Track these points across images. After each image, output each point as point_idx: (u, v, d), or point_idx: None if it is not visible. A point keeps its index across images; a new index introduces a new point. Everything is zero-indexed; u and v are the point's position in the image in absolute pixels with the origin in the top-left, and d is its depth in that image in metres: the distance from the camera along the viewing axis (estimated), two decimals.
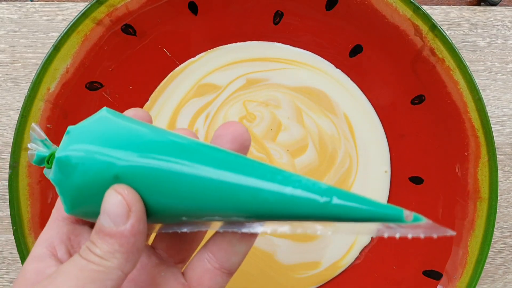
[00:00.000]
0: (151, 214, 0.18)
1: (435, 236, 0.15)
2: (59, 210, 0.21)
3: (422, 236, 0.15)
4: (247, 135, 0.20)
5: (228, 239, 0.20)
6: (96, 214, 0.18)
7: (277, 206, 0.17)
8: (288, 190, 0.16)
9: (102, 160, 0.18)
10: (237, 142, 0.20)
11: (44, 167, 0.21)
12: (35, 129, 0.21)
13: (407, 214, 0.15)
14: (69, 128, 0.20)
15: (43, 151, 0.21)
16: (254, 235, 0.20)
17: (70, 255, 0.20)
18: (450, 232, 0.15)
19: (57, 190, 0.19)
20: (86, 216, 0.20)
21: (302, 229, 0.18)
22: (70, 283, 0.16)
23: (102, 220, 0.17)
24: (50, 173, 0.20)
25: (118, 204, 0.17)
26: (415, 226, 0.16)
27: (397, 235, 0.16)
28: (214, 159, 0.18)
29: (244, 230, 0.19)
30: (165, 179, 0.18)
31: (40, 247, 0.20)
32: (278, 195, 0.16)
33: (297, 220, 0.17)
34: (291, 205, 0.16)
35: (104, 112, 0.19)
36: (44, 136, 0.22)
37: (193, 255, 0.22)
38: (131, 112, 0.22)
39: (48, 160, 0.20)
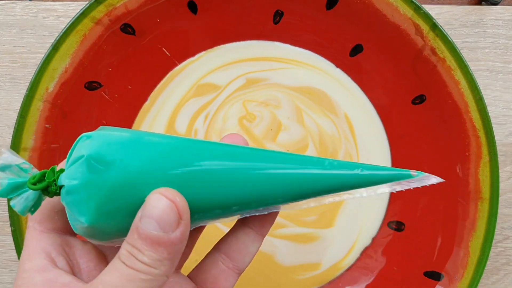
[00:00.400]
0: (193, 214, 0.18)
1: (432, 182, 0.20)
2: (42, 223, 0.20)
3: (422, 184, 0.21)
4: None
5: (242, 240, 0.22)
6: (118, 228, 0.18)
7: (324, 184, 0.20)
8: (331, 171, 0.20)
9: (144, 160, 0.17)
10: None
11: (8, 198, 0.19)
12: (5, 153, 0.19)
13: (413, 172, 0.20)
14: (90, 133, 0.19)
15: (22, 175, 0.19)
16: (263, 236, 0.22)
17: (69, 266, 0.20)
18: (439, 179, 0.20)
19: (73, 199, 0.18)
20: (103, 231, 0.18)
21: (332, 198, 0.21)
22: None
23: (148, 226, 0.16)
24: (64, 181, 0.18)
25: (170, 211, 0.16)
26: (419, 179, 0.20)
27: (405, 188, 0.21)
28: (265, 156, 0.19)
29: (268, 211, 0.21)
30: (214, 179, 0.18)
31: (39, 258, 0.19)
32: (324, 176, 0.20)
33: (336, 192, 0.20)
34: (335, 181, 0.20)
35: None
36: (20, 160, 0.19)
37: (183, 259, 0.23)
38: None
39: (35, 183, 0.18)
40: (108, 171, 0.17)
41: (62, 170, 0.19)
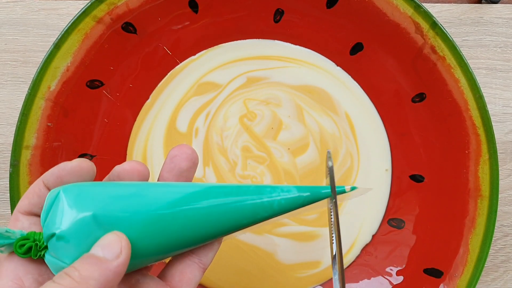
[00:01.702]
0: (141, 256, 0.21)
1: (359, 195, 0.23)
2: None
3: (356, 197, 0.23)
4: (196, 155, 0.24)
5: None
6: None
7: (263, 213, 0.23)
8: (278, 196, 0.23)
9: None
10: (190, 160, 0.23)
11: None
12: None
13: (347, 187, 0.23)
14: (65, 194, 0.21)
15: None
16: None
17: (39, 284, 0.21)
18: (369, 189, 0.24)
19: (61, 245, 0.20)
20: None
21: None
22: None
23: (94, 250, 0.19)
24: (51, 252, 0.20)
25: (114, 244, 0.19)
26: (353, 193, 0.23)
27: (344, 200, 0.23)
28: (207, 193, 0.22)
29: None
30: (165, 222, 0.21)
31: (5, 279, 0.20)
32: (262, 204, 0.23)
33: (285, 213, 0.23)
34: (273, 208, 0.23)
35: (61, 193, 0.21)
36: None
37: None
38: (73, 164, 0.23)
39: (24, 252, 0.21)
40: (99, 226, 0.20)
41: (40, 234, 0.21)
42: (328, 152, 0.24)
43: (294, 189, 0.23)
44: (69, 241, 0.20)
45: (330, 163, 0.24)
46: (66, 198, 0.20)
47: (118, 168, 0.22)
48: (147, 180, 0.23)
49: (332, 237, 0.23)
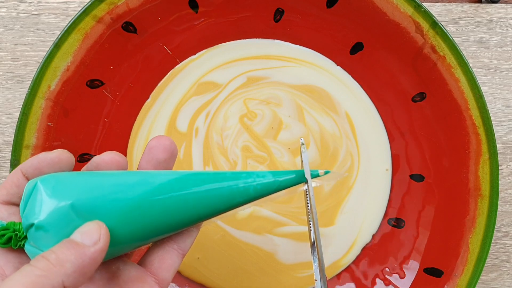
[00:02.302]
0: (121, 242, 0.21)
1: (336, 180, 0.25)
2: None
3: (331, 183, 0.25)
4: (175, 146, 0.24)
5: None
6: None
7: (240, 197, 0.23)
8: (255, 180, 0.23)
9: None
10: (168, 151, 0.24)
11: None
12: None
13: (321, 171, 0.24)
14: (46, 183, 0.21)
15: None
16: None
17: None
18: (344, 174, 0.24)
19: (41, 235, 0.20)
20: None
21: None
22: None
23: (73, 236, 0.20)
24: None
25: (94, 231, 0.20)
26: (327, 177, 0.24)
27: (318, 184, 0.25)
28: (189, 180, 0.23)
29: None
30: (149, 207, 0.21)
31: None
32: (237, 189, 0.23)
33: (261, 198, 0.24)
34: (248, 192, 0.23)
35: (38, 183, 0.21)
36: None
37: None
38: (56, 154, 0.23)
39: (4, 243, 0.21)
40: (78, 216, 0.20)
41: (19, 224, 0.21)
42: (301, 139, 0.26)
43: (269, 174, 0.24)
44: (48, 231, 0.20)
45: (303, 149, 0.25)
46: (44, 188, 0.20)
47: (96, 159, 0.23)
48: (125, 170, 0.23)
49: (310, 223, 0.24)
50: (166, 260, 0.23)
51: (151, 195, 0.22)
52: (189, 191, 0.22)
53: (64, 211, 0.20)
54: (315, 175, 0.24)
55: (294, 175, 0.24)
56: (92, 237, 0.19)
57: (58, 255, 0.18)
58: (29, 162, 0.22)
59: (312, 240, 0.24)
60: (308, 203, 0.24)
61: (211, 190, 0.23)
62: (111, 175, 0.22)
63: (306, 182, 0.24)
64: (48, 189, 0.20)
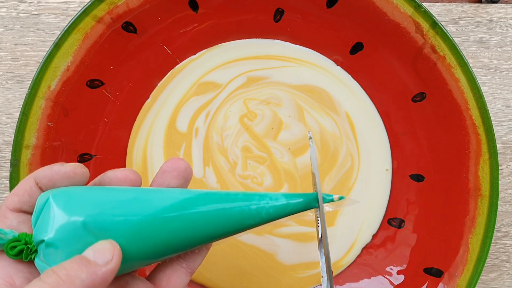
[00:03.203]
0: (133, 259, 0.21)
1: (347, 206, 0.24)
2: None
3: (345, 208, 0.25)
4: (190, 170, 0.24)
5: None
6: None
7: (252, 220, 0.23)
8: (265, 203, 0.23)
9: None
10: (182, 178, 0.23)
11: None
12: None
13: (335, 196, 0.23)
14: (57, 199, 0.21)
15: None
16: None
17: (28, 281, 0.21)
18: (357, 201, 0.25)
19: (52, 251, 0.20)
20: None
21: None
22: None
23: (86, 253, 0.19)
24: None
25: (107, 251, 0.20)
26: (339, 202, 0.24)
27: (331, 209, 0.24)
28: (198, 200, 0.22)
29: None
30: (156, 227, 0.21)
31: None
32: (252, 211, 0.23)
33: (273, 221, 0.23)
34: (264, 215, 0.23)
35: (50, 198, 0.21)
36: None
37: None
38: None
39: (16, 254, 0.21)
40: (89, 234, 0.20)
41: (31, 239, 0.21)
42: (309, 133, 0.26)
43: (282, 197, 0.23)
44: (58, 248, 0.20)
45: (311, 143, 0.25)
46: (56, 204, 0.20)
47: (110, 174, 0.23)
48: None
49: (318, 219, 0.24)
50: (174, 279, 0.23)
51: (162, 214, 0.21)
52: (200, 210, 0.22)
53: (75, 228, 0.20)
54: (328, 200, 0.24)
55: (305, 199, 0.23)
56: (105, 256, 0.19)
57: (68, 272, 0.18)
58: (43, 172, 0.22)
59: (320, 236, 0.24)
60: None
61: (223, 210, 0.22)
62: (123, 192, 0.22)
63: (318, 204, 0.24)
64: (60, 205, 0.20)
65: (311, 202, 0.23)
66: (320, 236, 0.24)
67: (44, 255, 0.20)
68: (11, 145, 0.32)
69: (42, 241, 0.20)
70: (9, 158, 0.32)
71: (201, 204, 0.22)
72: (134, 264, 0.22)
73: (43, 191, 0.22)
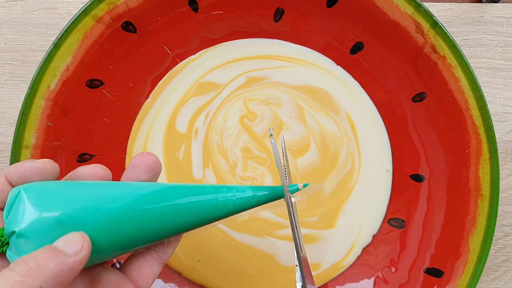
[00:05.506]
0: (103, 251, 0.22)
1: (314, 190, 0.25)
2: None
3: (310, 193, 0.25)
4: (159, 164, 0.24)
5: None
6: None
7: (220, 211, 0.24)
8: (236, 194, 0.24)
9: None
10: (151, 171, 0.24)
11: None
12: None
13: (300, 185, 0.25)
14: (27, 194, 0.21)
15: None
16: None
17: None
18: (322, 185, 0.26)
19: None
20: None
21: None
22: None
23: (56, 243, 0.20)
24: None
25: (77, 242, 0.20)
26: (306, 189, 0.25)
27: (299, 198, 0.25)
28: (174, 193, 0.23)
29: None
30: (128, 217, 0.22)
31: None
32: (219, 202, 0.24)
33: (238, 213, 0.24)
34: (233, 205, 0.24)
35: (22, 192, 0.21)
36: None
37: None
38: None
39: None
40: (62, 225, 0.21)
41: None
42: (270, 130, 0.27)
43: (249, 189, 0.24)
44: (29, 238, 0.20)
45: (272, 140, 0.26)
46: (27, 197, 0.20)
47: (80, 170, 0.23)
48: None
49: (296, 240, 0.25)
50: (146, 269, 0.24)
51: (132, 206, 0.22)
52: (169, 203, 0.23)
53: (46, 220, 0.20)
54: (294, 190, 0.25)
55: (270, 191, 0.24)
56: (74, 246, 0.20)
57: (38, 261, 0.18)
58: (14, 169, 0.22)
59: (296, 260, 0.24)
60: (291, 216, 0.25)
61: (191, 203, 0.23)
62: (94, 186, 0.22)
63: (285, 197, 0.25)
64: (31, 198, 0.20)
65: (277, 194, 0.25)
66: (296, 260, 0.24)
67: (15, 246, 0.20)
68: (11, 145, 0.32)
69: (13, 232, 0.20)
70: (9, 158, 0.32)
71: (170, 197, 0.23)
72: (105, 255, 0.22)
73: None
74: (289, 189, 0.25)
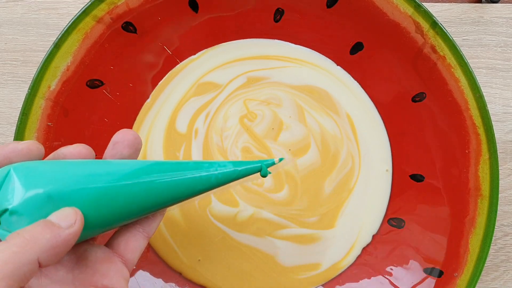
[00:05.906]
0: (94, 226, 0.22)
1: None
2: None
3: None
4: (139, 140, 0.25)
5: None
6: None
7: (203, 185, 0.25)
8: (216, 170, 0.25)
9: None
10: (132, 147, 0.25)
11: None
12: None
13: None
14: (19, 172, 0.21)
15: None
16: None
17: None
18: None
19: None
20: None
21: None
22: None
23: (50, 217, 0.20)
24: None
25: (70, 216, 0.20)
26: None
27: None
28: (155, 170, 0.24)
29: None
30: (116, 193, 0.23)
31: None
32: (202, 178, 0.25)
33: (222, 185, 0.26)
34: (212, 180, 0.25)
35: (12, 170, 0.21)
36: None
37: None
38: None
39: None
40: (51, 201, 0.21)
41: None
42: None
43: (229, 164, 0.26)
44: (22, 215, 0.20)
45: None
46: (17, 175, 0.21)
47: (64, 150, 0.24)
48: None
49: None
50: (132, 242, 0.25)
51: (119, 182, 0.23)
52: (153, 179, 0.24)
53: (38, 197, 0.20)
54: (271, 164, 0.27)
55: (250, 166, 0.26)
56: (68, 220, 0.20)
57: (33, 233, 0.19)
58: None
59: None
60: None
61: (175, 178, 0.24)
62: (80, 164, 0.23)
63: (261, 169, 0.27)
64: (21, 176, 0.21)
65: (255, 168, 0.26)
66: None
67: (7, 224, 0.21)
68: None
69: (6, 210, 0.20)
70: None
71: (155, 172, 0.24)
72: (94, 231, 0.23)
73: None
74: (266, 162, 0.27)
